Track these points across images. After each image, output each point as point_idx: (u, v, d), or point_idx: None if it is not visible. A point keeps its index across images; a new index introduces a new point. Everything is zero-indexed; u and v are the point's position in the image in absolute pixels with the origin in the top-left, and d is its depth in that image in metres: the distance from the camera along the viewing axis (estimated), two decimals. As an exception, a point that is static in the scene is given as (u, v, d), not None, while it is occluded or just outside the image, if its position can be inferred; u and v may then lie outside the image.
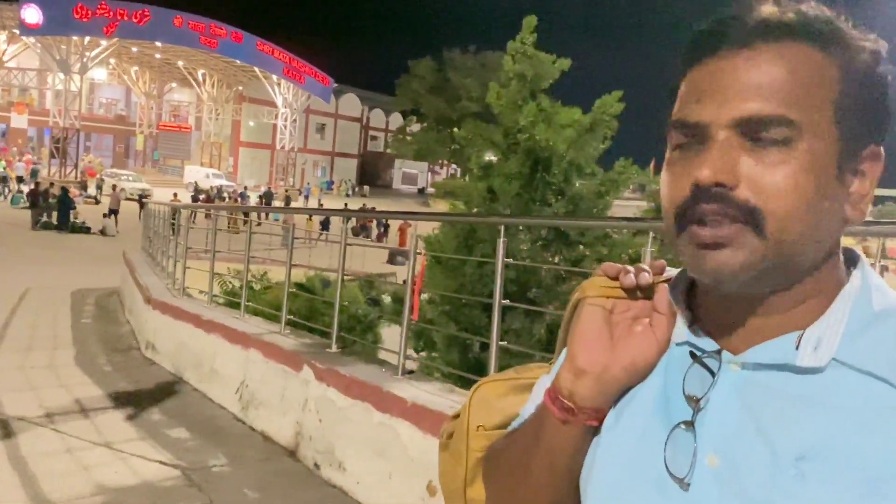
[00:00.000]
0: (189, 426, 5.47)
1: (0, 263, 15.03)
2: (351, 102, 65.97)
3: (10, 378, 6.44)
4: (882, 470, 0.60)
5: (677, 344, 0.73)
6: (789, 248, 0.64)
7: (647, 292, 0.75)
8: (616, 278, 0.75)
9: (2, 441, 4.83)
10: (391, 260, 24.64)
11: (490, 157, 8.71)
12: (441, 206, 50.81)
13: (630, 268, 0.76)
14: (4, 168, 37.32)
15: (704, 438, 0.67)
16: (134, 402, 6.09)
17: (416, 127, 64.44)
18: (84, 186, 35.14)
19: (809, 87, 0.64)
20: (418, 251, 5.01)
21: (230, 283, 11.45)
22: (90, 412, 5.68)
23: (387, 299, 13.44)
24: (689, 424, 0.68)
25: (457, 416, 1.02)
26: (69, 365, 7.22)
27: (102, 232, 24.14)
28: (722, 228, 0.64)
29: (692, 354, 0.71)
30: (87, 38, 37.32)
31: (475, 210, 8.32)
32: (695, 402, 0.68)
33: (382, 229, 32.89)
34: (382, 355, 5.75)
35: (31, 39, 36.85)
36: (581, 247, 7.25)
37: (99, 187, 35.69)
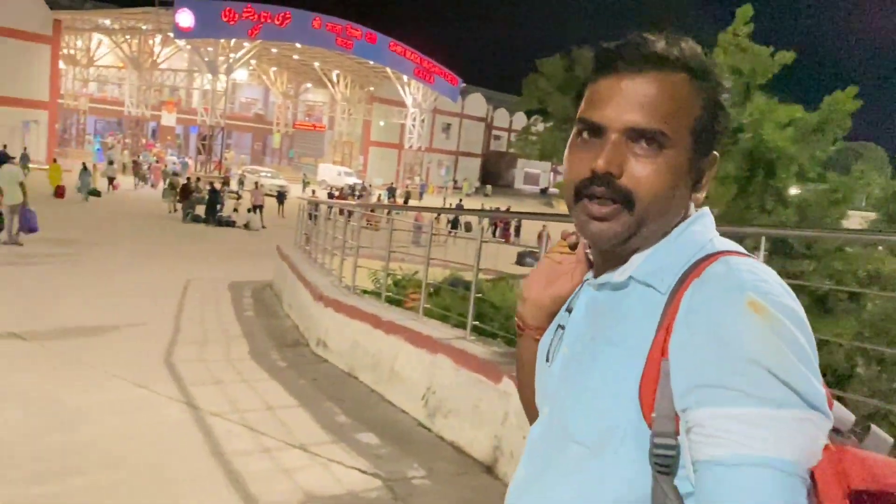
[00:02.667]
0: (375, 430, 5.29)
1: (160, 253, 15.76)
2: (476, 102, 66.09)
3: (195, 371, 6.52)
4: (638, 346, 0.87)
5: (585, 281, 1.05)
6: (647, 223, 0.92)
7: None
8: (565, 240, 1.12)
9: (203, 437, 4.80)
10: (519, 261, 24.22)
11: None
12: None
13: (573, 233, 1.10)
14: (156, 161, 39.88)
15: (567, 334, 1.02)
16: (315, 400, 6.00)
17: (540, 126, 63.72)
18: (227, 182, 36.90)
19: (680, 108, 0.91)
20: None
21: (380, 281, 11.46)
22: (276, 409, 5.62)
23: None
24: (561, 327, 1.05)
25: None
26: (245, 359, 7.28)
27: (246, 226, 25.07)
28: (605, 206, 0.91)
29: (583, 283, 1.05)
30: (233, 41, 39.06)
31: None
32: (567, 312, 1.06)
33: (514, 230, 32.50)
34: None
35: (182, 42, 39.06)
36: (807, 261, 6.55)
37: (241, 183, 37.33)
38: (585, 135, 0.94)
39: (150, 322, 8.57)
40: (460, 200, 38.06)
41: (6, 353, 6.60)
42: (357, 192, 38.91)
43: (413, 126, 51.30)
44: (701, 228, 0.96)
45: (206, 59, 38.82)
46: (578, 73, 59.02)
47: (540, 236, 27.56)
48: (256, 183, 26.52)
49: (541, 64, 61.41)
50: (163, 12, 36.10)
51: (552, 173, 75.39)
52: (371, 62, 46.21)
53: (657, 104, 0.90)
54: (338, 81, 53.82)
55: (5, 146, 27.87)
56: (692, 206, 0.98)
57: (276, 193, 38.77)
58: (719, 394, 0.79)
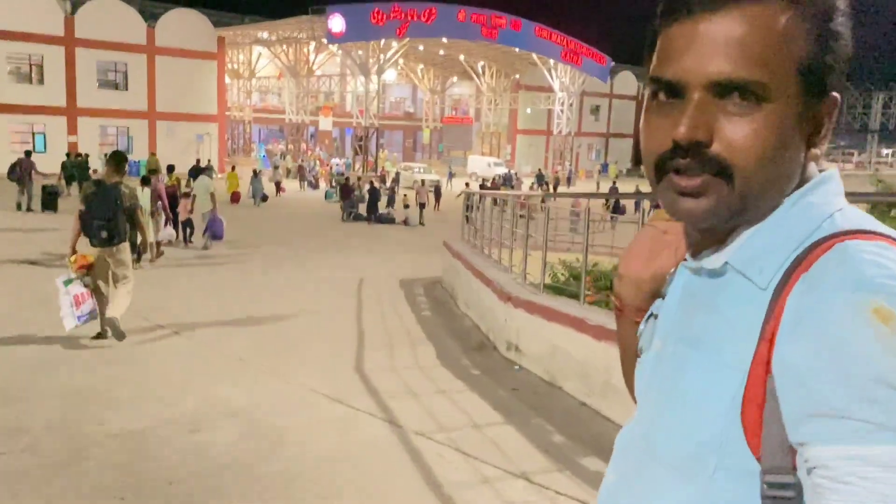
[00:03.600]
0: (597, 452, 4.66)
1: (330, 250, 15.98)
2: (626, 80, 63.48)
3: (389, 382, 6.19)
4: (737, 357, 0.73)
5: (682, 262, 0.88)
6: (753, 197, 0.74)
7: None
8: None
9: (415, 464, 4.38)
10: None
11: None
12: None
13: None
14: (317, 165, 41.44)
15: (660, 326, 0.87)
16: (521, 415, 5.46)
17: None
18: (383, 180, 37.63)
19: (777, 47, 0.71)
20: None
21: (562, 274, 10.81)
22: (483, 427, 5.13)
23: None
24: (654, 316, 0.90)
25: None
26: (435, 365, 6.89)
27: (405, 222, 25.26)
28: (696, 179, 0.74)
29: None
30: (382, 41, 39.74)
31: None
32: (662, 297, 0.90)
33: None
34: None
35: (334, 47, 40.24)
36: None
37: (396, 180, 37.94)
38: (662, 96, 0.76)
39: (333, 323, 8.46)
40: (614, 183, 36.37)
41: (211, 362, 6.60)
42: (510, 182, 38.28)
43: (561, 111, 49.98)
44: (821, 198, 0.76)
45: (358, 63, 39.70)
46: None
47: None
48: (422, 181, 26.58)
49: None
50: (316, 20, 37.28)
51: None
52: (517, 49, 45.50)
53: (747, 46, 0.71)
54: (483, 72, 53.58)
55: (198, 160, 29.93)
56: (813, 166, 0.78)
57: (432, 189, 39.39)
58: (845, 427, 0.63)
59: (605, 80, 51.62)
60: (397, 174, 38.82)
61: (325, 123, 48.14)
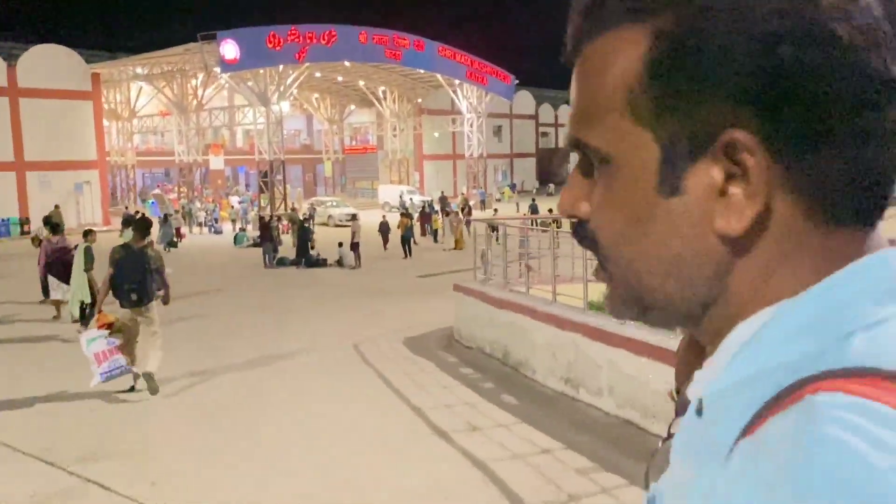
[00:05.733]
0: None
1: (280, 308, 12.93)
2: (524, 100, 62.95)
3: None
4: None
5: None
6: (631, 284, 0.54)
7: None
8: None
9: None
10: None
11: None
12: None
13: None
14: (217, 208, 37.58)
15: (671, 454, 0.59)
16: None
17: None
18: (293, 219, 34.42)
19: (600, 86, 0.52)
20: None
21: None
22: None
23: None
24: (671, 435, 0.67)
25: None
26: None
27: (339, 263, 22.28)
28: (598, 270, 0.58)
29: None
30: (280, 67, 36.65)
31: None
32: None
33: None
34: None
35: (224, 78, 36.72)
36: None
37: (310, 217, 34.72)
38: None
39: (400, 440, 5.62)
40: (533, 201, 34.77)
41: None
42: (434, 209, 35.78)
43: (471, 132, 48.23)
44: (848, 298, 0.46)
45: (256, 92, 36.33)
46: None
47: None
48: (354, 215, 23.57)
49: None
50: (206, 47, 33.75)
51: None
52: (422, 70, 43.49)
53: (576, 97, 0.54)
54: (384, 97, 51.25)
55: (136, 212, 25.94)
56: (840, 241, 0.49)
57: (347, 223, 36.38)
58: None
59: (510, 98, 50.55)
60: (311, 209, 35.61)
61: (217, 162, 44.22)
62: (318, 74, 43.42)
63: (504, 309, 7.81)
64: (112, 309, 7.41)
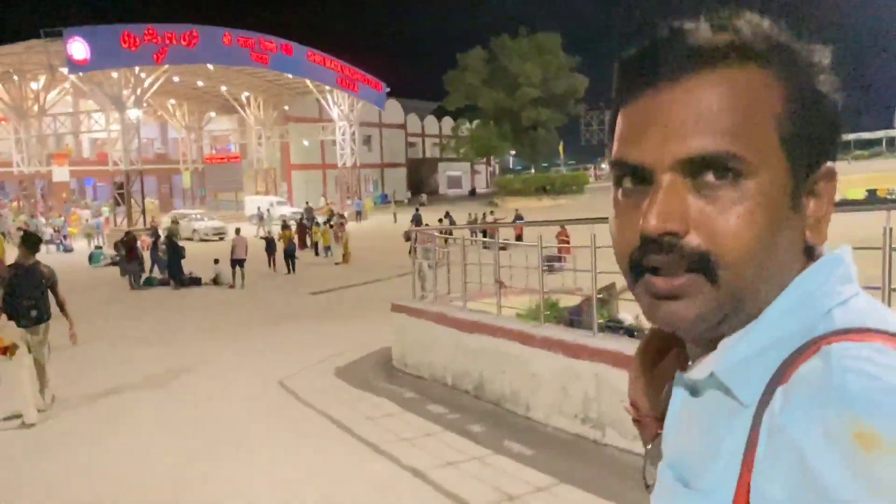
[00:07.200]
0: None
1: (172, 349, 11.16)
2: (393, 109, 62.13)
3: None
4: (719, 493, 0.60)
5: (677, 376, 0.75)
6: (744, 292, 0.62)
7: None
8: None
9: None
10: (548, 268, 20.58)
11: None
12: (516, 203, 47.21)
13: None
14: (64, 224, 33.79)
15: (665, 446, 0.73)
16: None
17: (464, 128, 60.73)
18: (155, 233, 31.49)
19: (752, 114, 0.61)
20: None
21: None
22: None
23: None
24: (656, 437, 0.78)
25: None
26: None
27: (215, 281, 20.26)
28: (675, 279, 0.62)
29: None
30: (137, 69, 33.55)
31: None
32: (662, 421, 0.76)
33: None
34: None
35: (74, 78, 33.09)
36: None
37: (173, 233, 31.95)
38: (629, 183, 0.65)
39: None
40: (417, 210, 33.81)
41: None
42: (314, 220, 33.87)
43: (344, 141, 46.63)
44: (821, 288, 0.63)
45: (110, 95, 32.98)
46: (504, 62, 56.62)
47: (560, 236, 24.09)
48: (238, 230, 21.42)
49: (462, 58, 58.69)
50: (51, 45, 30.20)
51: (473, 174, 72.68)
52: (290, 76, 41.54)
53: (718, 115, 0.60)
54: (248, 104, 48.57)
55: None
56: (824, 249, 0.66)
57: (215, 237, 33.74)
58: None
59: (382, 106, 49.59)
60: (174, 222, 32.71)
61: (61, 174, 39.90)
62: (176, 79, 40.29)
63: (476, 333, 6.70)
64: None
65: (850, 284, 0.64)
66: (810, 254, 0.66)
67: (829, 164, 0.65)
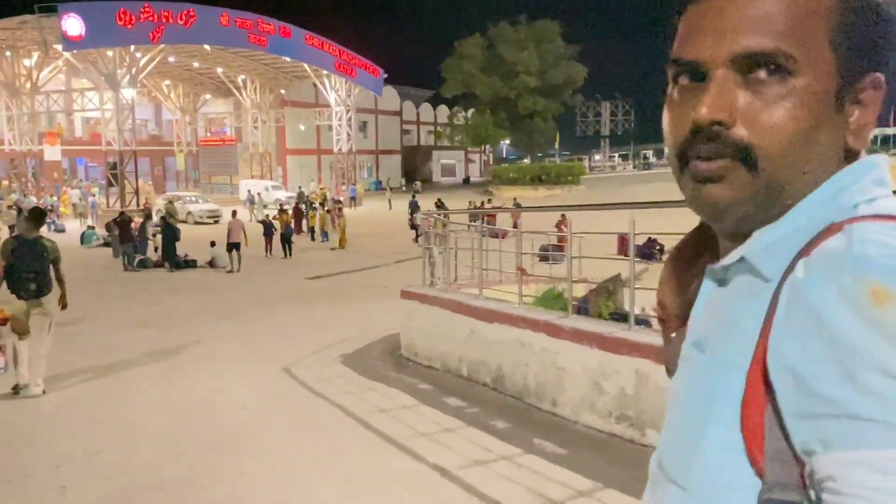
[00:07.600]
0: None
1: (171, 334, 10.85)
2: (389, 96, 61.57)
3: None
4: (736, 357, 0.65)
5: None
6: (780, 183, 0.66)
7: None
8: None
9: None
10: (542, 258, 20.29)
11: None
12: (512, 192, 46.79)
13: None
14: (56, 203, 33.28)
15: (690, 331, 0.76)
16: None
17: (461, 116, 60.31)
18: (148, 215, 31.01)
19: (806, 17, 0.65)
20: None
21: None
22: None
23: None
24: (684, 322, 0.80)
25: None
26: None
27: (211, 264, 19.90)
28: (715, 162, 0.66)
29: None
30: (133, 47, 32.97)
31: None
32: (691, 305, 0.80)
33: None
34: None
35: (68, 55, 32.49)
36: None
37: (171, 214, 31.50)
38: (684, 81, 0.70)
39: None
40: (413, 197, 33.30)
41: None
42: (311, 205, 33.41)
43: (340, 126, 46.10)
44: (852, 181, 0.67)
45: (104, 74, 32.40)
46: (502, 50, 56.11)
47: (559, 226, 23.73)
48: (234, 212, 21.00)
49: (460, 45, 58.17)
50: (44, 21, 29.61)
51: (467, 163, 72.27)
52: (287, 59, 40.97)
53: (772, 16, 0.65)
54: (244, 87, 47.94)
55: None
56: (862, 154, 0.70)
57: (210, 220, 33.29)
58: (849, 428, 0.54)
59: (379, 92, 49.13)
60: (169, 204, 32.22)
61: (53, 153, 39.31)
62: (172, 59, 39.72)
63: (496, 322, 6.42)
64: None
65: (883, 187, 0.66)
66: (850, 158, 0.68)
67: (876, 74, 0.67)
